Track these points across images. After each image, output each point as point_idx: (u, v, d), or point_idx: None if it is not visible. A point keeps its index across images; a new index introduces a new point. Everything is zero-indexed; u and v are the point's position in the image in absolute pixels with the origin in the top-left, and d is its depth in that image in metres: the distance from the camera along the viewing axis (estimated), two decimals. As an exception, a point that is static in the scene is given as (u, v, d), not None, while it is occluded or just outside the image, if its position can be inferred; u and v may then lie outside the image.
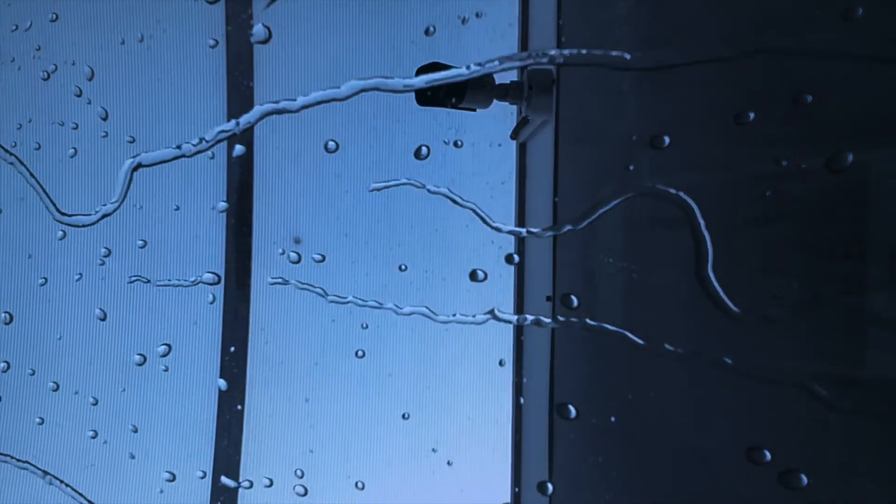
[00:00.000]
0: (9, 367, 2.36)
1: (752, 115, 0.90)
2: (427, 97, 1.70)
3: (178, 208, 2.33)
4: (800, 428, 0.85)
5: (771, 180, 0.87)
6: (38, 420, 2.36)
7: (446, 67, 1.55)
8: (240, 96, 2.28)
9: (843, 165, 0.78)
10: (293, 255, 2.09)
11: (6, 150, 2.11)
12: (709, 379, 0.95)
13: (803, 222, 0.84)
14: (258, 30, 1.90)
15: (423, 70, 1.59)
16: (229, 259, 2.34)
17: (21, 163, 1.96)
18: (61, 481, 1.93)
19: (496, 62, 1.22)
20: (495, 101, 1.81)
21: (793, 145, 0.86)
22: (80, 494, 1.86)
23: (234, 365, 2.36)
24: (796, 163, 0.84)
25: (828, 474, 0.81)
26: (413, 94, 1.73)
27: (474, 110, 1.83)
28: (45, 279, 2.37)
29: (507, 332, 2.04)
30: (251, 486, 2.09)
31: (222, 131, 1.37)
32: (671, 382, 1.03)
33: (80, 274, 2.35)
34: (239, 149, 2.20)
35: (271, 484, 2.09)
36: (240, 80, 2.27)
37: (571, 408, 1.09)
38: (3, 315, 2.36)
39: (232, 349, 2.34)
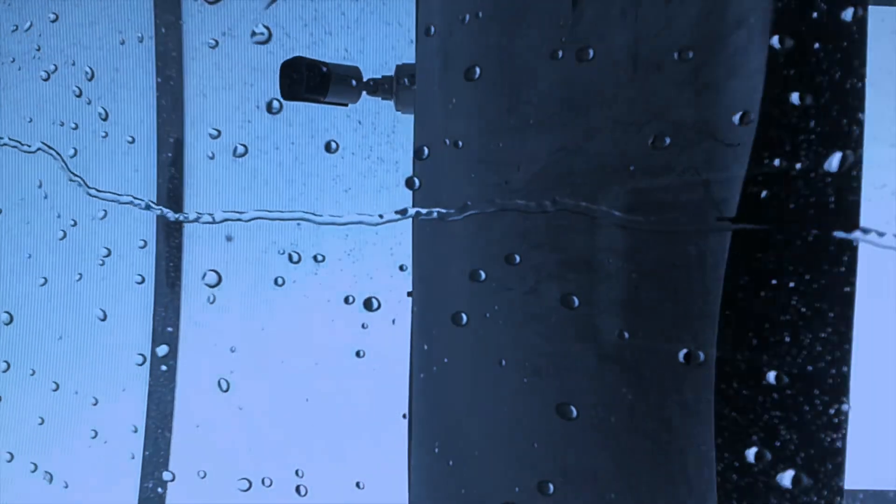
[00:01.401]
0: (9, 367, 2.36)
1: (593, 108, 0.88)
2: (291, 92, 1.60)
3: (178, 209, 2.34)
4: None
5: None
6: (38, 420, 2.36)
7: (312, 61, 1.52)
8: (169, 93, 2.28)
9: (843, 165, 0.79)
10: (294, 256, 2.09)
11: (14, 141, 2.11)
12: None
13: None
14: (259, 30, 1.91)
15: (286, 65, 1.56)
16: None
17: (49, 147, 1.95)
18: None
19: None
20: (366, 95, 1.73)
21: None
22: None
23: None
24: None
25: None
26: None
27: (346, 105, 1.75)
28: (45, 279, 2.36)
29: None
30: (250, 486, 2.09)
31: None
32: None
33: (80, 274, 2.35)
34: (240, 149, 2.20)
35: (271, 484, 2.09)
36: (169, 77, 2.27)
37: (572, 408, 1.09)
38: (3, 315, 2.36)
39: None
